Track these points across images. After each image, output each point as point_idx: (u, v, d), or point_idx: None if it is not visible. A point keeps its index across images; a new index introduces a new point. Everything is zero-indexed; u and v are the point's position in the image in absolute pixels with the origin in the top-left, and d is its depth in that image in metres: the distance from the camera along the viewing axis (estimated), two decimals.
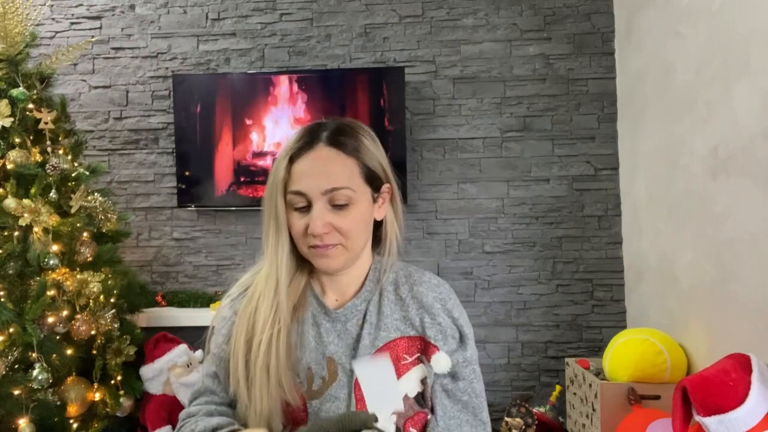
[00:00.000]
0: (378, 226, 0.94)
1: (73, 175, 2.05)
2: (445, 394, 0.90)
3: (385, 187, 0.90)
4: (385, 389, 0.83)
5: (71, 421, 1.91)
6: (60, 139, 2.10)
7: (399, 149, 2.52)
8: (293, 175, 0.82)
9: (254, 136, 2.59)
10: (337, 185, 0.81)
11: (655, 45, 2.17)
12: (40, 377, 1.78)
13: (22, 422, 1.75)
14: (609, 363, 1.96)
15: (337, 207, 0.82)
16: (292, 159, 0.83)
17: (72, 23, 2.77)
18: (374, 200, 0.89)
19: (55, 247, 1.90)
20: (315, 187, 0.81)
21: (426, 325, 0.89)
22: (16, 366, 1.80)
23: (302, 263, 0.91)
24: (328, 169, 0.82)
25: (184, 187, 2.62)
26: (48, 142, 2.03)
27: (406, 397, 0.87)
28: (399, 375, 0.87)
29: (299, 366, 0.87)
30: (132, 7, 2.75)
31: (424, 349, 0.89)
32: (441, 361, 0.88)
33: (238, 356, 0.85)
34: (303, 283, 0.91)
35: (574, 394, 2.18)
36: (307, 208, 0.82)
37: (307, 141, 0.83)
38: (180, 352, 2.17)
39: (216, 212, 2.70)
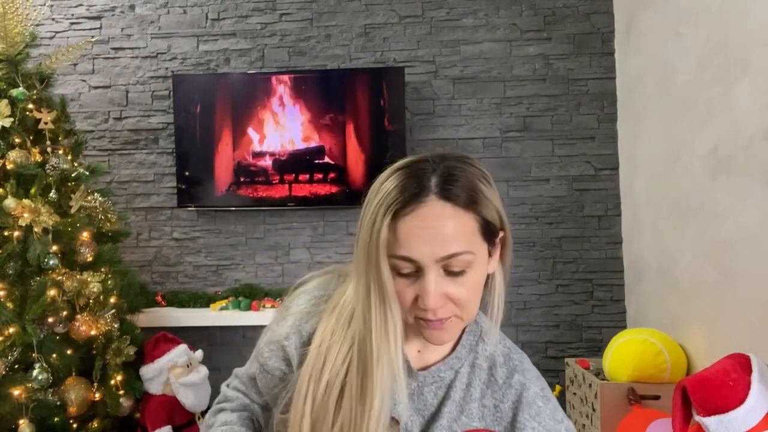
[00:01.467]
0: None
1: (73, 175, 2.05)
2: None
3: (499, 237, 0.72)
4: None
5: (71, 421, 1.91)
6: (60, 139, 2.10)
7: (399, 149, 2.51)
8: (399, 236, 0.66)
9: (254, 136, 2.59)
10: (455, 251, 0.65)
11: (655, 45, 2.17)
12: (40, 377, 1.78)
13: (22, 422, 1.75)
14: (609, 363, 1.96)
15: (452, 273, 0.67)
16: (396, 215, 0.66)
17: (72, 23, 2.77)
18: (489, 254, 0.72)
19: (55, 247, 1.90)
20: (429, 254, 0.65)
21: (519, 425, 0.74)
22: (16, 366, 1.80)
23: None
24: (444, 230, 0.65)
25: (184, 187, 2.62)
26: (48, 142, 2.03)
27: None
28: None
29: None
30: (132, 7, 2.75)
31: None
32: None
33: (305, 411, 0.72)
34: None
35: (574, 394, 2.18)
36: (415, 273, 0.67)
37: (414, 193, 0.66)
38: (180, 352, 2.17)
39: (216, 212, 2.70)
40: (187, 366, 2.16)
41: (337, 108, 2.56)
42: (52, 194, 1.96)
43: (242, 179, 2.59)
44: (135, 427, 2.19)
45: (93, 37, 2.73)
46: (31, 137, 2.02)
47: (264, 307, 2.49)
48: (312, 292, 0.80)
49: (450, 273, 0.67)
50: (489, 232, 0.69)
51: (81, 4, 2.76)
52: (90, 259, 2.03)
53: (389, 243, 0.66)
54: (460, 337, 0.78)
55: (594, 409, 1.94)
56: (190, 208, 2.68)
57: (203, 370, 2.17)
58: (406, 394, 0.74)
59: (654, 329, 2.00)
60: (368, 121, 2.54)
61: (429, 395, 0.76)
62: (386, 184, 0.68)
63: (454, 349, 0.77)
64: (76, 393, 1.90)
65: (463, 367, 0.77)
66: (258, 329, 0.94)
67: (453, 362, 0.77)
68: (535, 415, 0.74)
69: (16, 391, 1.76)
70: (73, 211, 1.99)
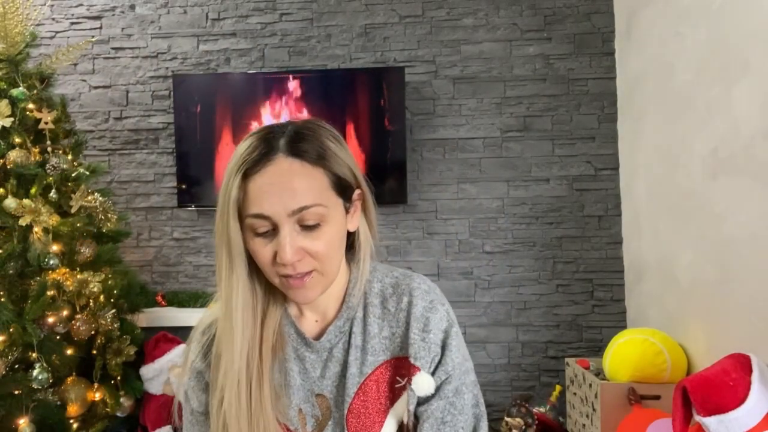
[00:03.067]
0: (350, 234, 0.81)
1: (73, 175, 2.05)
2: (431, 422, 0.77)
3: (356, 195, 0.76)
4: None
5: (71, 421, 1.91)
6: (60, 139, 2.10)
7: (399, 149, 2.52)
8: (250, 194, 0.68)
9: None
10: (306, 203, 0.68)
11: (655, 45, 2.17)
12: (40, 377, 1.78)
13: (22, 422, 1.75)
14: (609, 363, 1.96)
15: (308, 228, 0.69)
16: (247, 175, 0.68)
17: (72, 23, 2.77)
18: (346, 211, 0.75)
19: (55, 247, 1.90)
20: (281, 208, 0.67)
21: (411, 340, 0.76)
22: (16, 366, 1.80)
23: (273, 290, 0.77)
24: (293, 184, 0.68)
25: (184, 187, 2.62)
26: (48, 142, 2.03)
27: (402, 425, 0.77)
28: (394, 401, 0.77)
29: (289, 410, 0.77)
30: (132, 7, 2.75)
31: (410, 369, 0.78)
32: (422, 384, 0.76)
33: (218, 422, 0.74)
34: (279, 316, 0.79)
35: (574, 394, 2.18)
36: (272, 232, 0.69)
37: (263, 152, 0.69)
38: (180, 352, 2.17)
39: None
40: None
41: (338, 108, 2.55)
42: (52, 194, 1.96)
43: None
44: (135, 427, 2.20)
45: (93, 37, 2.73)
46: (31, 137, 2.01)
47: None
48: (201, 322, 0.85)
49: (305, 227, 0.69)
50: (342, 187, 0.73)
51: (81, 4, 2.76)
52: (90, 259, 2.03)
53: (243, 203, 0.68)
54: (346, 290, 0.80)
55: (594, 409, 1.94)
56: (190, 208, 2.68)
57: None
58: (319, 367, 0.78)
59: (654, 329, 2.00)
60: (368, 121, 2.54)
61: (338, 353, 0.78)
62: (238, 148, 0.71)
63: (343, 303, 0.80)
64: (76, 393, 1.90)
65: (357, 313, 0.80)
66: None
67: (347, 313, 0.79)
68: (423, 327, 0.77)
69: (16, 391, 1.76)
70: (73, 211, 1.99)
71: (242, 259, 0.71)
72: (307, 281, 0.71)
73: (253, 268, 0.74)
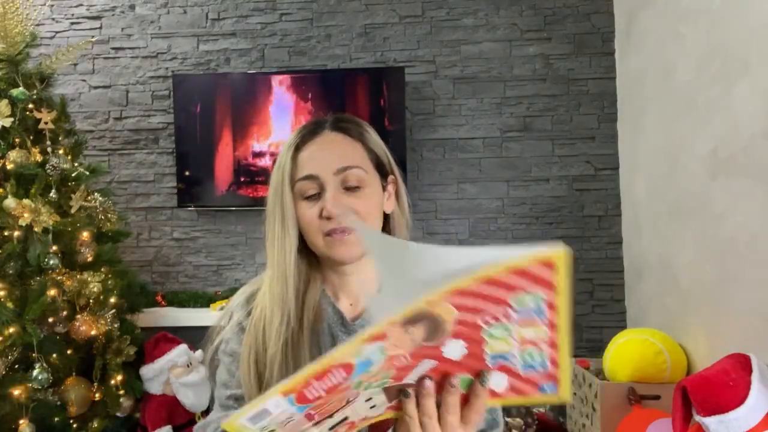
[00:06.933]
0: (384, 224, 0.87)
1: (73, 175, 2.05)
2: None
3: (390, 178, 0.86)
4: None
5: (71, 421, 1.91)
6: (60, 139, 2.10)
7: (399, 149, 2.51)
8: (300, 162, 0.79)
9: (254, 136, 2.59)
10: (348, 164, 0.78)
11: (655, 45, 2.17)
12: (40, 377, 1.78)
13: (22, 422, 1.75)
14: (609, 363, 1.96)
15: (350, 189, 0.78)
16: (298, 148, 0.80)
17: (72, 23, 2.77)
18: (383, 189, 0.84)
19: (55, 247, 1.90)
20: (326, 167, 0.77)
21: None
22: (16, 366, 1.80)
23: (314, 268, 0.84)
24: (337, 150, 0.79)
25: (184, 187, 2.62)
26: (48, 142, 2.03)
27: None
28: None
29: None
30: (132, 7, 2.75)
31: None
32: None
33: (250, 377, 0.78)
34: (318, 293, 0.83)
35: (575, 394, 2.18)
36: (318, 195, 0.78)
37: (311, 129, 0.82)
38: (180, 352, 2.17)
39: (216, 212, 2.70)
40: (187, 366, 2.16)
41: (337, 108, 2.55)
42: (52, 194, 1.96)
43: (242, 179, 2.59)
44: (135, 427, 2.19)
45: (93, 37, 2.73)
46: (31, 137, 2.01)
47: None
48: (241, 291, 0.88)
49: (348, 189, 0.78)
50: (379, 164, 0.83)
51: (81, 4, 2.76)
52: (90, 259, 2.03)
53: (293, 173, 0.79)
54: None
55: (594, 409, 1.94)
56: (190, 208, 2.68)
57: (203, 370, 2.17)
58: None
59: (654, 329, 2.00)
60: (368, 121, 2.50)
61: None
62: (290, 135, 0.83)
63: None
64: (76, 393, 1.90)
65: None
66: None
67: None
68: None
69: (16, 391, 1.76)
70: (73, 211, 1.99)
71: (294, 223, 0.79)
72: (348, 237, 0.77)
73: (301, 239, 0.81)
